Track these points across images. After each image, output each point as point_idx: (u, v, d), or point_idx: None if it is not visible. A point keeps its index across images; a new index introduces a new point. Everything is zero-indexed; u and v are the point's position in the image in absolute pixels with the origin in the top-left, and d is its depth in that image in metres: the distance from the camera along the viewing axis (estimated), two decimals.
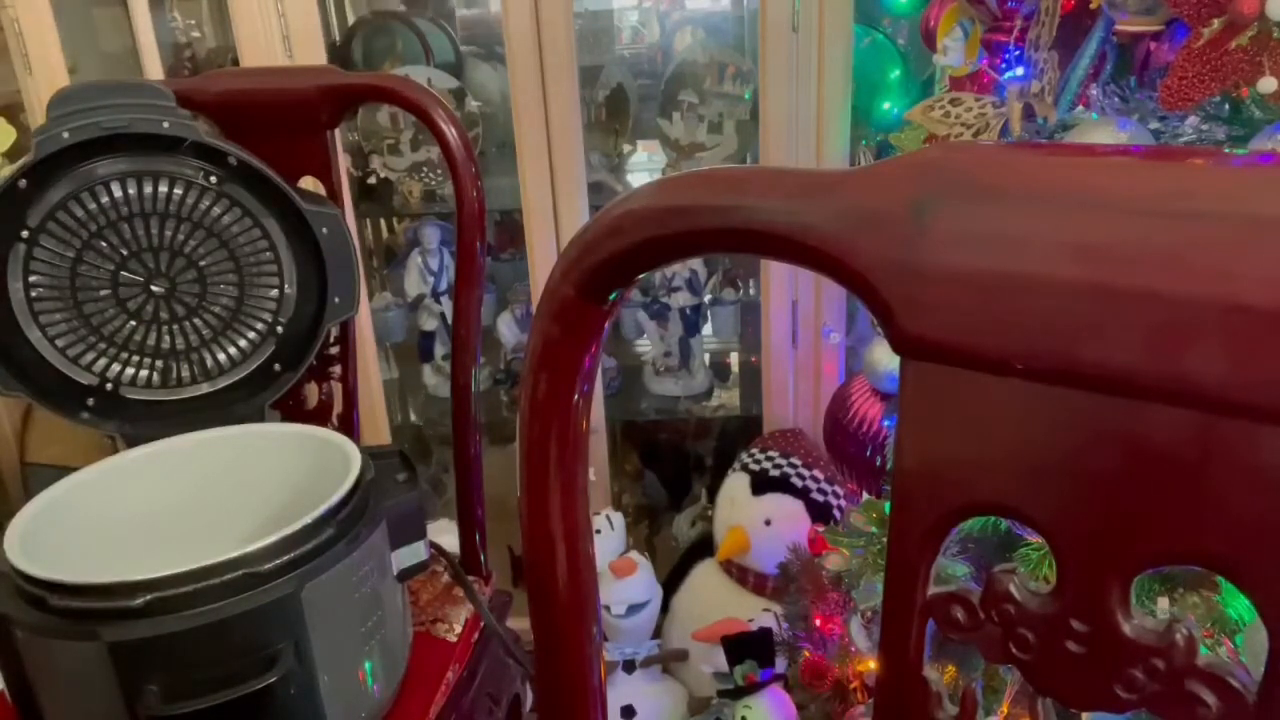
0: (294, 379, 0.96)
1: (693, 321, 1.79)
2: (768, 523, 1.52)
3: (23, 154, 0.85)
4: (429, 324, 1.83)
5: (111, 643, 0.63)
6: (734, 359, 2.01)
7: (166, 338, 0.93)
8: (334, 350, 1.03)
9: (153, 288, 0.91)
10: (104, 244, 0.88)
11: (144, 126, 0.86)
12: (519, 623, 0.81)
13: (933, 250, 0.30)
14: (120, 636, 0.63)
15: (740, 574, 1.57)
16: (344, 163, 1.50)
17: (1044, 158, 0.32)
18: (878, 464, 1.26)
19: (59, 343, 0.89)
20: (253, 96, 0.97)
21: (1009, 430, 0.30)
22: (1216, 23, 0.74)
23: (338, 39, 1.88)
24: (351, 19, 1.96)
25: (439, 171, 1.74)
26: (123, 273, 0.90)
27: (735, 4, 1.99)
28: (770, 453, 1.57)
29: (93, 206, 0.87)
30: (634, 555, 1.54)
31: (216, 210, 0.90)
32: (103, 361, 0.91)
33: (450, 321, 1.57)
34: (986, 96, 1.00)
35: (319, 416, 1.04)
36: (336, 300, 0.94)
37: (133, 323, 0.92)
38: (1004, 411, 0.30)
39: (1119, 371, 0.27)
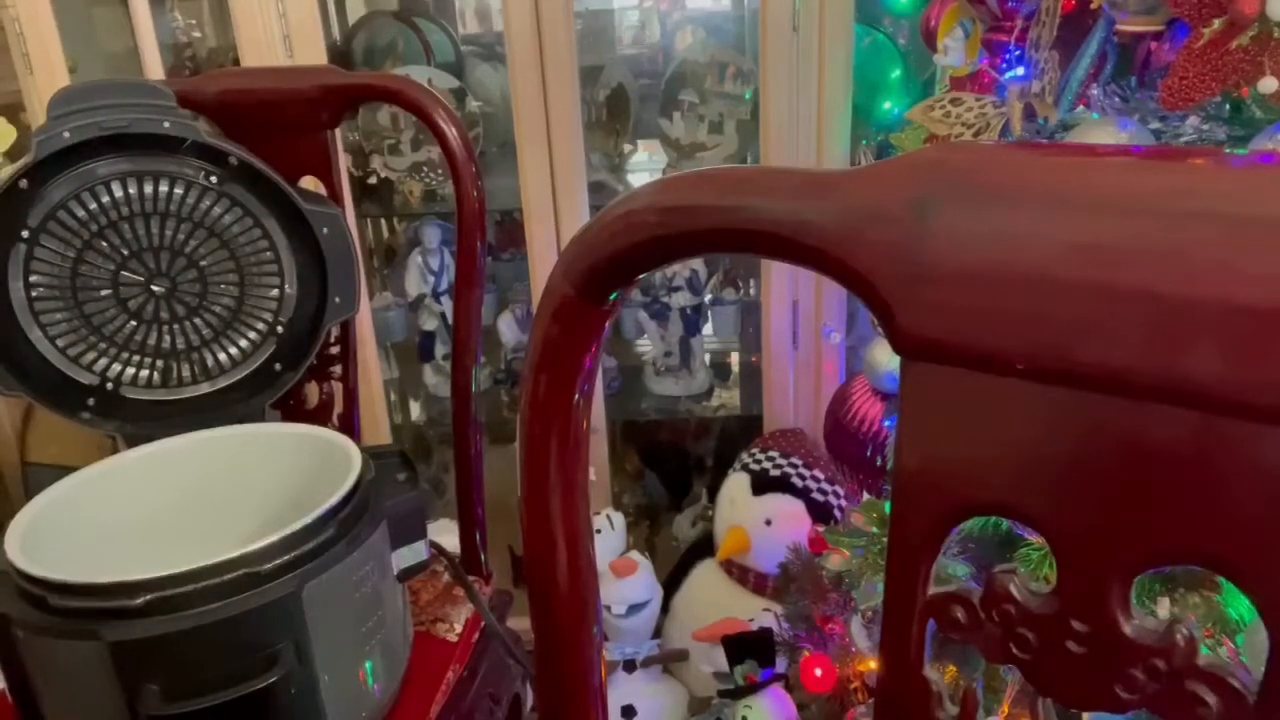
0: (294, 379, 0.96)
1: (693, 321, 1.78)
2: (768, 523, 1.52)
3: (23, 154, 0.85)
4: (429, 324, 1.82)
5: (112, 643, 0.63)
6: (734, 359, 2.01)
7: (167, 337, 0.93)
8: (334, 350, 1.03)
9: (153, 287, 0.91)
10: (104, 244, 0.88)
11: (144, 126, 0.86)
12: (519, 623, 0.81)
13: (933, 250, 0.30)
14: (120, 636, 0.63)
15: (740, 574, 1.57)
16: (344, 163, 1.50)
17: (1044, 158, 0.32)
18: (878, 464, 1.26)
19: (59, 342, 0.89)
20: (253, 96, 0.97)
21: (1009, 430, 0.30)
22: (1217, 23, 0.74)
23: (338, 39, 1.88)
24: (351, 19, 1.96)
25: (439, 171, 1.74)
26: (123, 272, 0.90)
27: (736, 4, 1.99)
28: (770, 453, 1.57)
29: (93, 206, 0.87)
30: (634, 555, 1.53)
31: (217, 210, 0.90)
32: (103, 361, 0.91)
33: (450, 321, 1.57)
34: (987, 96, 1.00)
35: (319, 416, 1.04)
36: (337, 300, 0.94)
37: (133, 322, 0.92)
38: (1004, 411, 0.30)
39: (1119, 371, 0.27)
